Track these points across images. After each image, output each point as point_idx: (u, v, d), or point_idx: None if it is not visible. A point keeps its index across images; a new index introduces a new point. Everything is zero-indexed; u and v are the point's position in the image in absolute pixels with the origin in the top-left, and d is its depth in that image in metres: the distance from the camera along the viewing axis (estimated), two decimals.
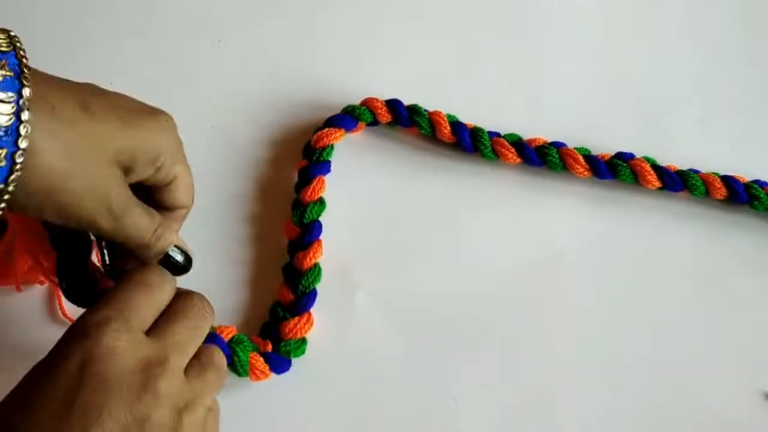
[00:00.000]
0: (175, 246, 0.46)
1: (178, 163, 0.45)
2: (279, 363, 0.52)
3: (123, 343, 0.40)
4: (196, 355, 0.44)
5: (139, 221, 0.43)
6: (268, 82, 0.63)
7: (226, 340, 0.49)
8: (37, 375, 0.39)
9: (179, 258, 0.46)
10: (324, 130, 0.58)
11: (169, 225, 0.46)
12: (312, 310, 0.54)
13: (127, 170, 0.42)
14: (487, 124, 0.60)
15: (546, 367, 0.54)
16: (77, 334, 0.40)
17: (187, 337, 0.43)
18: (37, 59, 0.63)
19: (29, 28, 0.64)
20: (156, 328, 0.43)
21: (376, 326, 0.55)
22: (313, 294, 0.54)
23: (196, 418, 0.41)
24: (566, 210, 0.59)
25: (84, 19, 0.65)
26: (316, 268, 0.55)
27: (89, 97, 0.41)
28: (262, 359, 0.51)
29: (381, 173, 0.60)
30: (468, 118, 0.60)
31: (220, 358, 0.45)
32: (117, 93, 0.44)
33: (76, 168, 0.39)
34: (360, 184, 0.59)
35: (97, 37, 0.64)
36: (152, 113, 0.44)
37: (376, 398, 0.53)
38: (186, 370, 0.42)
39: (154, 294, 0.44)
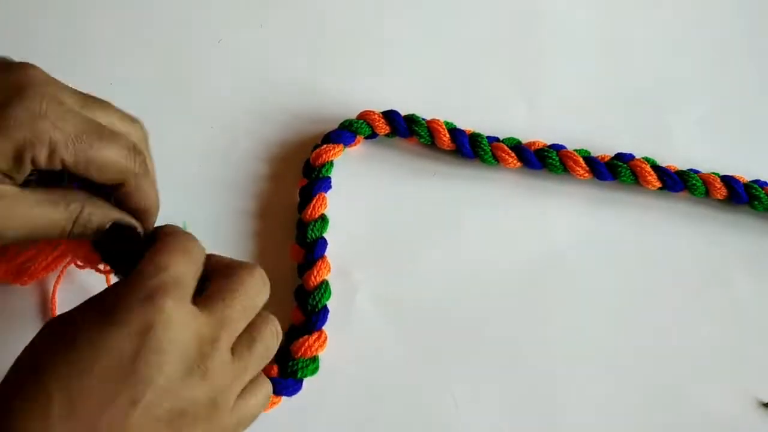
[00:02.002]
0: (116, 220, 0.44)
1: (59, 146, 0.41)
2: (287, 386, 0.51)
3: (183, 313, 0.38)
4: (247, 329, 0.42)
5: (36, 218, 0.41)
6: (268, 83, 0.63)
7: None
8: (91, 333, 0.37)
9: (125, 223, 0.44)
10: (322, 147, 0.58)
11: (94, 202, 0.43)
12: (325, 328, 0.53)
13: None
14: (488, 126, 0.60)
15: (546, 368, 0.54)
16: (138, 297, 0.38)
17: (239, 315, 0.41)
18: (37, 59, 0.63)
19: (30, 29, 0.64)
20: (208, 302, 0.40)
21: (376, 327, 0.55)
22: (323, 312, 0.53)
23: (231, 397, 0.41)
24: (567, 212, 0.59)
25: (84, 19, 0.65)
26: (323, 286, 0.54)
27: None
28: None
29: (381, 181, 0.59)
30: (468, 122, 0.60)
31: (270, 330, 0.43)
32: None
33: None
34: (360, 191, 0.59)
35: (97, 37, 0.64)
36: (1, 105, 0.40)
37: (376, 398, 0.53)
38: (235, 345, 0.41)
39: (195, 262, 0.41)
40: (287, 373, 0.51)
